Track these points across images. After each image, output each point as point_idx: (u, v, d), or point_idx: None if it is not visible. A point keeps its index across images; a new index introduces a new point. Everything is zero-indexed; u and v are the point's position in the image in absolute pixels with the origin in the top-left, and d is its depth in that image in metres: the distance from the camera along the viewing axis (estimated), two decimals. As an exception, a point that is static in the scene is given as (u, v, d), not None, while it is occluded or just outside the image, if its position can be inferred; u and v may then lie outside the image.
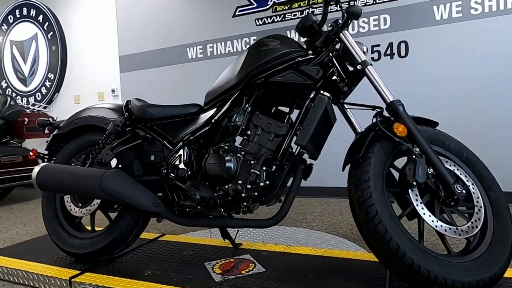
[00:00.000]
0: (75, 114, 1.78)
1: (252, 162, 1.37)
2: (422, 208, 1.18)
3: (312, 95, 1.37)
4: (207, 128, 1.49)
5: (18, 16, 4.71)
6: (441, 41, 2.78)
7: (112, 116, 1.67)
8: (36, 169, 1.47)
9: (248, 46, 3.50)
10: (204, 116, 1.53)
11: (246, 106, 1.48)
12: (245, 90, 1.48)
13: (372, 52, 2.96)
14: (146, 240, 1.92)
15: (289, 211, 1.38)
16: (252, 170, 1.34)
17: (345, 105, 1.50)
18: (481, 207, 1.23)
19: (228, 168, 1.36)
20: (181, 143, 1.48)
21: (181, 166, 1.45)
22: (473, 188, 1.26)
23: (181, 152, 1.47)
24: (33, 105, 4.52)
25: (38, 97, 4.60)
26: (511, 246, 1.18)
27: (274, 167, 1.39)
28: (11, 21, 4.78)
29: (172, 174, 1.45)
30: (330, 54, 1.41)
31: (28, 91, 4.70)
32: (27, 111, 4.20)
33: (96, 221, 1.70)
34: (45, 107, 4.49)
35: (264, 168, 1.35)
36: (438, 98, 2.77)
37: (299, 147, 1.38)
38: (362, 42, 1.49)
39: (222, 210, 1.37)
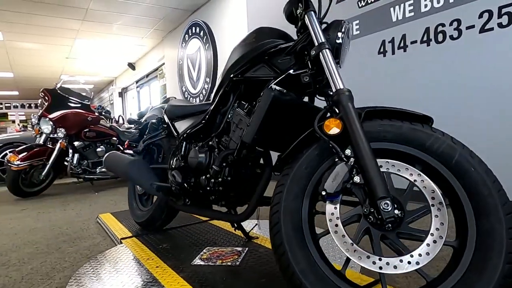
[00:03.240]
0: (148, 112, 2.27)
1: None
2: (336, 225, 0.93)
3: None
4: (201, 125, 1.62)
5: (190, 34, 5.98)
6: None
7: (161, 115, 2.04)
8: (105, 155, 2.02)
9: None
10: (203, 114, 1.67)
11: (233, 102, 1.52)
12: (230, 86, 1.51)
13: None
14: (198, 221, 2.23)
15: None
16: (213, 165, 1.39)
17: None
18: (440, 237, 0.86)
19: (200, 163, 1.46)
20: (181, 138, 1.68)
21: (175, 158, 1.65)
22: (439, 210, 0.88)
23: (181, 146, 1.67)
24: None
25: (201, 97, 5.73)
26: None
27: (238, 164, 1.38)
28: (186, 39, 6.12)
29: (171, 165, 1.68)
30: (304, 41, 1.27)
31: (196, 93, 5.93)
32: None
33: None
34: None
35: (224, 164, 1.38)
36: None
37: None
38: (346, 20, 1.25)
39: (187, 200, 1.50)
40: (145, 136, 1.97)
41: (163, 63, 7.54)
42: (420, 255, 0.85)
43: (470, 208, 0.88)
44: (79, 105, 4.24)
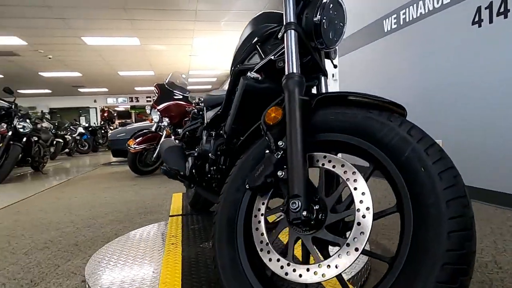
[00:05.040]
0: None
1: None
2: (259, 222, 0.86)
3: None
4: (217, 114, 1.66)
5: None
6: None
7: (206, 105, 2.18)
8: (160, 142, 2.27)
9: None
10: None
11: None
12: (235, 76, 1.51)
13: None
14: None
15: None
16: (209, 154, 1.43)
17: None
18: (355, 250, 0.70)
19: (205, 150, 1.52)
20: (204, 126, 1.76)
21: (197, 145, 1.74)
22: (363, 217, 0.73)
23: (202, 134, 1.75)
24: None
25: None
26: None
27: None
28: (284, 28, 6.16)
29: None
30: None
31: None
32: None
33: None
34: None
35: (218, 152, 1.40)
36: None
37: None
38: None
39: (191, 185, 1.57)
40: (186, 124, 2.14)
41: (268, 54, 7.77)
42: (328, 266, 0.72)
43: (411, 217, 0.70)
44: (180, 97, 4.81)
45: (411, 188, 0.71)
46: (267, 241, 0.83)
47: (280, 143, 0.88)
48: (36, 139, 5.51)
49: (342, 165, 0.80)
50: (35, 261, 1.72)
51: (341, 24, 1.15)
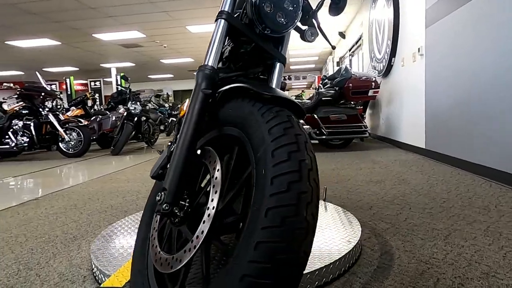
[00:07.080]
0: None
1: None
2: (157, 222, 0.90)
3: None
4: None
5: (378, -8, 5.41)
6: None
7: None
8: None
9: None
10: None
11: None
12: None
13: None
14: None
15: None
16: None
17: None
18: (194, 247, 0.70)
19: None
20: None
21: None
22: (208, 216, 0.71)
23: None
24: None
25: (384, 62, 5.17)
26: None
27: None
28: (374, 3, 5.57)
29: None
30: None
31: (380, 58, 5.40)
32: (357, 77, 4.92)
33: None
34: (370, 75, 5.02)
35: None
36: None
37: None
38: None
39: None
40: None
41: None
42: (176, 259, 0.74)
43: (246, 221, 0.66)
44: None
45: (255, 191, 0.66)
46: (157, 229, 0.89)
47: (178, 136, 0.91)
48: (145, 118, 6.46)
49: (215, 161, 0.79)
50: (89, 221, 2.13)
51: (294, 5, 1.06)
